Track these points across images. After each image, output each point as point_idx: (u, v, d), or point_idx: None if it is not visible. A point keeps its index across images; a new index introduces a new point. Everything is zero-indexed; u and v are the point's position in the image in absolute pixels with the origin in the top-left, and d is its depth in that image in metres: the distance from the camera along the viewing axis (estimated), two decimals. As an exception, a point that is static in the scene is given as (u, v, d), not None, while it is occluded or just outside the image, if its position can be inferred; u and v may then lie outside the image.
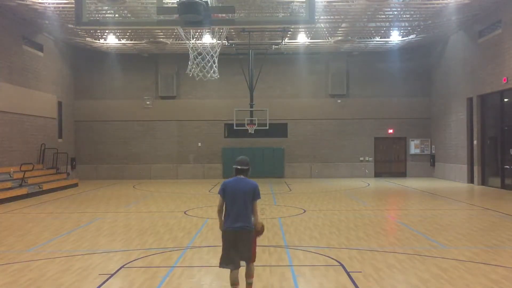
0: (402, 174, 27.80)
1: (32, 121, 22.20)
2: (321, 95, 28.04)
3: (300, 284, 6.84)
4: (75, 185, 22.94)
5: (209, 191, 20.49)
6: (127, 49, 26.34)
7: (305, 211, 13.97)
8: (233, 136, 27.40)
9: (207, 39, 20.71)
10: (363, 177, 27.36)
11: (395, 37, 24.16)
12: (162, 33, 23.08)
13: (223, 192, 6.03)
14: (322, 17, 20.23)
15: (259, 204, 5.56)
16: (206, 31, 20.14)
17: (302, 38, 23.96)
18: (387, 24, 22.15)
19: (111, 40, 24.30)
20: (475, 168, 22.11)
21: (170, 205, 15.82)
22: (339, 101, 27.85)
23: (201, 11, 7.94)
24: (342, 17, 20.48)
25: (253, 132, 24.70)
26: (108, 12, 19.16)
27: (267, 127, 24.74)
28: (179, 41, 23.26)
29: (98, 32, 23.28)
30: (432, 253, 8.54)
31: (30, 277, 7.27)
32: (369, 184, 23.45)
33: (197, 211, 14.33)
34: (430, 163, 27.45)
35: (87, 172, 27.47)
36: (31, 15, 20.10)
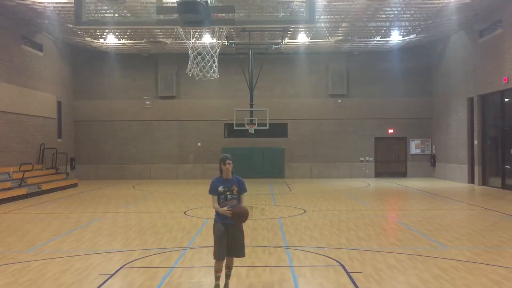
0: (403, 174, 27.77)
1: (32, 121, 22.17)
2: (321, 95, 28.01)
3: (300, 284, 6.82)
4: (75, 185, 22.92)
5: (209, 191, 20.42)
6: (126, 49, 26.31)
7: (305, 211, 13.95)
8: (233, 136, 27.39)
9: (207, 39, 20.67)
10: (363, 177, 27.34)
11: (396, 37, 24.14)
12: (161, 33, 23.05)
13: None
14: (322, 17, 20.20)
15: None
16: (206, 31, 20.11)
17: (302, 38, 23.94)
18: (388, 23, 22.13)
19: (111, 40, 24.28)
20: (476, 168, 22.08)
21: (170, 205, 15.80)
22: (339, 101, 27.82)
23: (200, 11, 7.91)
24: (342, 16, 20.46)
25: (253, 132, 24.67)
26: (108, 11, 19.13)
27: (267, 127, 24.69)
28: (179, 41, 23.23)
29: (98, 32, 23.26)
30: (433, 253, 8.51)
31: (30, 277, 7.25)
32: (369, 184, 23.43)
33: (197, 211, 14.31)
34: (431, 163, 27.42)
35: (87, 172, 27.44)
36: (30, 15, 20.07)
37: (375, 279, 6.97)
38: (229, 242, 6.26)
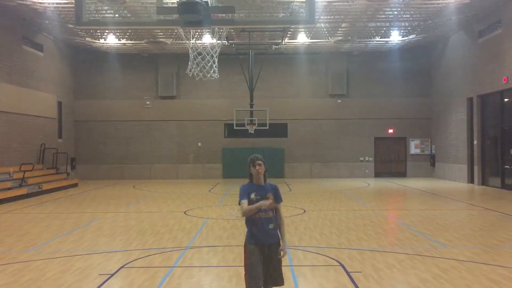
0: (402, 174, 27.78)
1: (32, 121, 22.18)
2: (321, 95, 28.03)
3: (300, 284, 6.83)
4: (75, 185, 22.93)
5: (209, 191, 20.47)
6: (127, 49, 26.33)
7: (305, 211, 13.96)
8: (233, 136, 27.39)
9: (207, 39, 20.69)
10: (363, 177, 27.35)
11: (395, 37, 24.16)
12: (162, 33, 23.07)
13: None
14: (322, 17, 20.22)
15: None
16: (206, 31, 20.12)
17: (302, 38, 23.96)
18: (387, 24, 22.15)
19: (111, 40, 24.30)
20: (475, 168, 22.10)
21: (170, 205, 15.81)
22: (339, 101, 27.83)
23: (201, 11, 7.93)
24: (342, 17, 20.48)
25: (253, 132, 24.68)
26: (108, 12, 19.15)
27: (267, 127, 24.71)
28: (179, 41, 23.25)
29: (98, 32, 23.28)
30: (432, 253, 8.53)
31: (30, 277, 7.26)
32: (369, 184, 23.44)
33: (197, 211, 14.32)
34: (430, 163, 27.44)
35: (87, 172, 27.45)
36: (31, 15, 20.09)
37: (375, 278, 6.98)
38: (265, 268, 4.86)
